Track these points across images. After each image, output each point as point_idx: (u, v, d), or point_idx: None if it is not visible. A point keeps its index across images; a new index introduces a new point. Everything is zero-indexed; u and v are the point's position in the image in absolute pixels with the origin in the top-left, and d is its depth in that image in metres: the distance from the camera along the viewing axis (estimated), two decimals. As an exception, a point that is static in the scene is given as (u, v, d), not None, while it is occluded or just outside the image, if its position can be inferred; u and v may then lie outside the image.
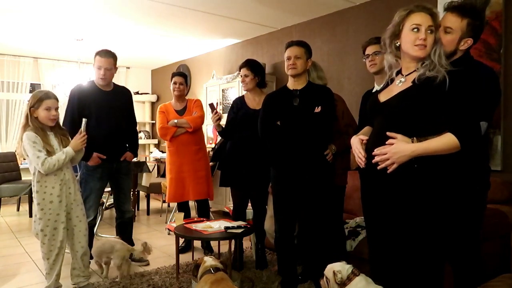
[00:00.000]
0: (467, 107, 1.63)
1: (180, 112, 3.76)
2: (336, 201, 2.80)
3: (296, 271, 2.77)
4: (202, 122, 3.81)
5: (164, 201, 5.43)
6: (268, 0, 4.21)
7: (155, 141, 7.82)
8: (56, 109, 2.64)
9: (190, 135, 3.70)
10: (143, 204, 6.09)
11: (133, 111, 3.58)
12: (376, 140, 1.75)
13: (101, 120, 3.19)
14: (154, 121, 6.14)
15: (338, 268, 1.87)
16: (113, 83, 3.39)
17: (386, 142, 1.68)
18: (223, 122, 3.25)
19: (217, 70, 6.20)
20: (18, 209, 6.05)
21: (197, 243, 3.80)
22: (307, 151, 2.54)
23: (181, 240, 3.69)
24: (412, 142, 1.64)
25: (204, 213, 3.79)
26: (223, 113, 5.02)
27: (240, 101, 3.30)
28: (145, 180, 6.50)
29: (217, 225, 2.82)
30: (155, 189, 5.61)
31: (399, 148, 1.64)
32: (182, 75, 3.82)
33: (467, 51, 1.99)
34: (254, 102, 3.21)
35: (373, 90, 2.52)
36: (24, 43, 5.96)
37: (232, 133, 3.26)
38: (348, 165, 2.91)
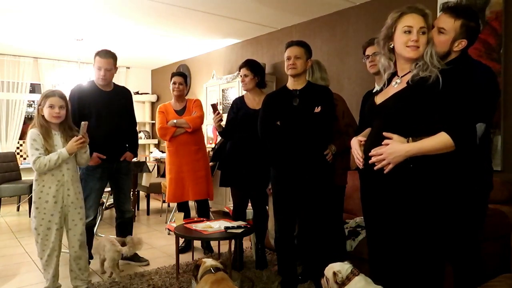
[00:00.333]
0: (460, 106, 1.63)
1: (180, 112, 3.76)
2: (336, 201, 2.80)
3: (296, 271, 2.77)
4: (202, 122, 3.81)
5: (164, 201, 5.43)
6: (268, 0, 4.21)
7: (155, 141, 7.82)
8: (61, 107, 2.61)
9: (189, 135, 3.70)
10: (143, 204, 6.08)
11: (133, 111, 3.58)
12: (373, 141, 1.76)
13: (101, 120, 3.19)
14: (154, 121, 6.13)
15: (338, 268, 1.88)
16: (113, 83, 3.39)
17: (382, 143, 1.70)
18: (223, 122, 3.25)
19: (217, 70, 6.20)
20: (18, 209, 6.05)
21: (197, 243, 3.80)
22: (307, 151, 2.54)
23: (181, 240, 3.69)
24: (408, 142, 1.65)
25: (204, 213, 3.79)
26: (223, 113, 5.01)
27: (240, 101, 3.30)
28: (145, 180, 6.50)
29: (217, 225, 2.82)
30: (155, 189, 5.61)
31: (394, 148, 1.65)
32: (182, 75, 3.82)
33: (464, 51, 1.97)
34: (254, 102, 3.21)
35: (374, 91, 2.52)
36: (24, 43, 5.96)
37: (232, 133, 3.26)
38: (348, 165, 2.90)
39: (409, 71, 1.74)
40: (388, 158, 1.66)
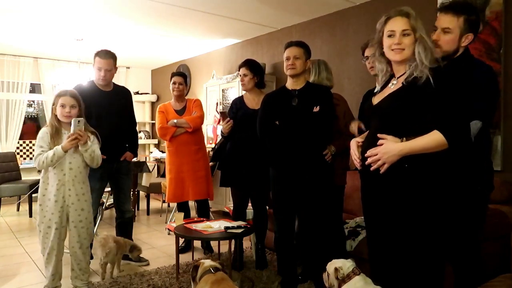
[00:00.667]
0: (453, 104, 1.64)
1: (180, 112, 3.76)
2: (335, 201, 2.81)
3: (296, 271, 2.77)
4: (202, 122, 3.80)
5: (164, 201, 5.43)
6: (268, 0, 4.22)
7: (155, 141, 7.82)
8: (72, 106, 2.62)
9: (189, 135, 3.70)
10: (143, 204, 6.08)
11: (133, 111, 3.58)
12: (370, 142, 1.79)
13: (101, 120, 3.18)
14: (154, 121, 6.13)
15: (339, 265, 1.90)
16: (113, 83, 3.39)
17: (377, 143, 1.71)
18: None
19: (217, 70, 6.20)
20: (18, 209, 6.05)
21: (197, 243, 3.80)
22: (306, 151, 2.54)
23: (181, 240, 3.69)
24: (402, 142, 1.67)
25: (204, 213, 3.79)
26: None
27: (239, 101, 3.30)
28: (145, 180, 6.51)
29: (217, 225, 2.82)
30: (155, 189, 5.61)
31: (388, 148, 1.67)
32: (182, 75, 3.82)
33: (467, 48, 2.01)
34: (253, 102, 3.21)
35: (375, 90, 2.52)
36: (24, 43, 5.96)
37: (232, 133, 3.26)
38: (347, 165, 2.91)
39: (405, 72, 1.76)
40: (383, 158, 1.68)
